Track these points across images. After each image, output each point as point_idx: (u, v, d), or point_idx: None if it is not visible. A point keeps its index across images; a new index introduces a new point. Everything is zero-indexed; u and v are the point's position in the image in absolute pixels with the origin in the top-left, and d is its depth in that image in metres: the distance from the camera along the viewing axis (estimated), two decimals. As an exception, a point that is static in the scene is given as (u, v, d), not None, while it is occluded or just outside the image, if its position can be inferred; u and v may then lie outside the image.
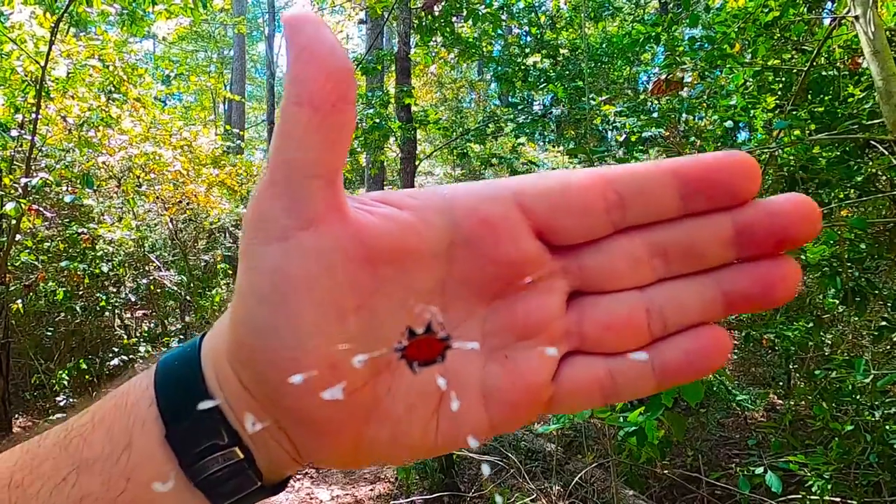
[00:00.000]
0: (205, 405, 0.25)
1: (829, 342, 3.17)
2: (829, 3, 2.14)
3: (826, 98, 1.95)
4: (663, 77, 2.52)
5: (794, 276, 0.24)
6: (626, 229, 0.25)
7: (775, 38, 2.12)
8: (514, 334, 0.25)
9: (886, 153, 1.55)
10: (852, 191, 2.05)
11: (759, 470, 2.36)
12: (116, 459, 0.25)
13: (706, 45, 2.29)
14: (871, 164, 1.88)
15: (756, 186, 0.24)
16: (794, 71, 2.03)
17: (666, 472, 3.61)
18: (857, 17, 1.18)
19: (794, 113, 1.81)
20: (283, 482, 0.27)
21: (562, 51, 6.01)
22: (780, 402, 4.20)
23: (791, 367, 3.54)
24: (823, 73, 1.98)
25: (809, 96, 2.00)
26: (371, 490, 4.24)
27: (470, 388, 0.25)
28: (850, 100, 1.98)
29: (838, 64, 1.99)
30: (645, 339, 0.25)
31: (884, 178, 2.02)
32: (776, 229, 0.24)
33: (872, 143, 1.68)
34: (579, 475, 3.50)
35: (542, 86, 5.94)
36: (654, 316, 0.25)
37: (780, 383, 3.75)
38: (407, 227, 0.24)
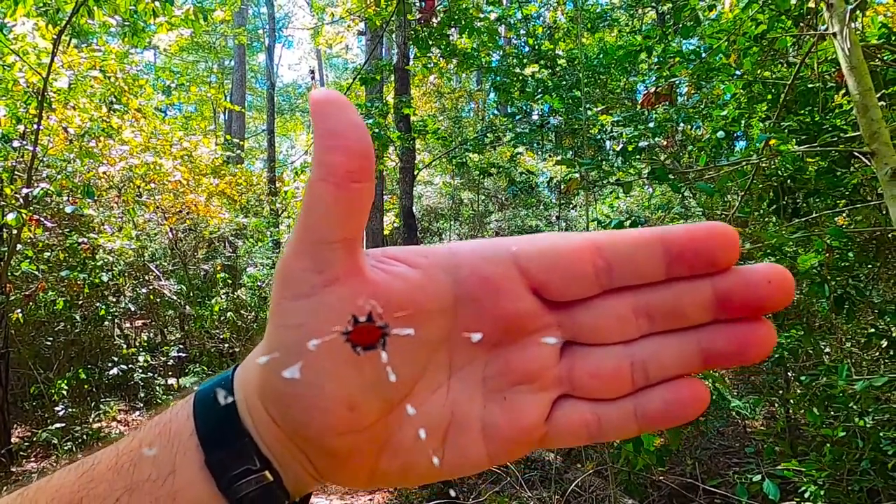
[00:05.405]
0: (226, 400, 0.29)
1: (826, 349, 3.18)
2: (818, 21, 2.17)
3: (813, 110, 1.98)
4: (653, 90, 2.55)
5: (769, 338, 0.27)
6: (616, 289, 0.28)
7: (764, 50, 2.15)
8: (512, 379, 0.29)
9: (869, 163, 1.58)
10: (841, 200, 2.08)
11: (757, 478, 2.37)
12: (163, 482, 0.28)
13: (696, 58, 2.33)
14: (855, 174, 1.91)
15: (735, 256, 0.27)
16: (781, 83, 2.07)
17: (663, 479, 3.61)
18: (834, 34, 1.21)
19: (780, 124, 1.84)
20: (306, 497, 0.31)
21: (559, 61, 6.06)
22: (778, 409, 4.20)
23: (789, 374, 3.55)
24: (809, 85, 2.02)
25: (797, 108, 2.03)
26: (370, 500, 4.24)
27: (471, 425, 0.28)
28: (836, 111, 2.02)
29: (825, 76, 2.03)
30: (628, 389, 0.28)
31: (868, 187, 2.05)
32: (752, 298, 0.26)
33: (856, 153, 1.71)
34: (575, 483, 3.50)
35: (539, 96, 5.99)
36: (637, 368, 0.28)
37: (780, 391, 3.76)
38: (417, 286, 0.28)
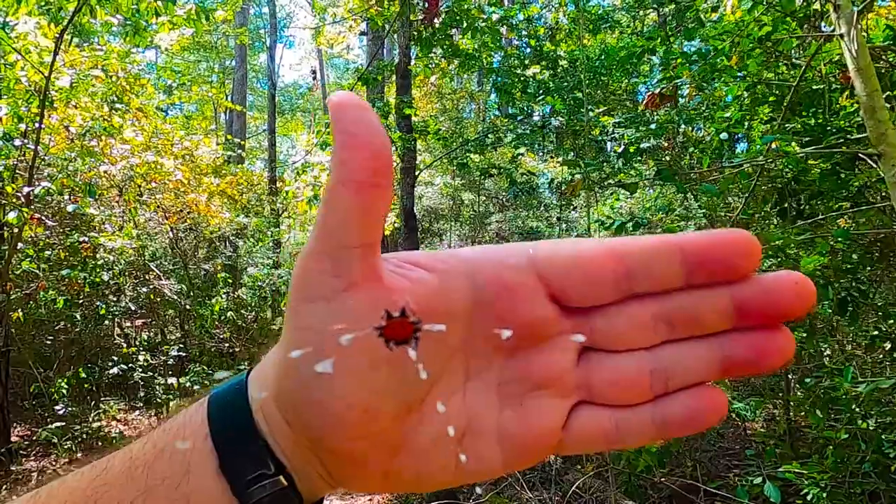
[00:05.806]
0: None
1: (826, 352, 3.18)
2: (823, 22, 2.18)
3: (818, 112, 1.98)
4: (657, 91, 2.55)
5: (788, 346, 0.27)
6: (634, 296, 0.28)
7: (768, 52, 2.15)
8: (529, 385, 0.28)
9: (875, 165, 1.58)
10: (845, 202, 2.08)
11: (758, 480, 2.37)
12: (177, 486, 0.28)
13: (700, 60, 2.33)
14: (860, 176, 1.91)
15: (754, 264, 0.26)
16: (786, 85, 2.07)
17: (663, 481, 3.61)
18: (842, 36, 1.21)
19: (784, 126, 1.84)
20: (318, 502, 0.31)
21: (561, 62, 6.06)
22: (779, 412, 4.20)
23: (790, 377, 3.55)
24: (814, 87, 2.02)
25: (801, 110, 2.03)
26: (370, 500, 4.24)
27: (487, 431, 0.28)
28: (841, 112, 2.02)
29: (830, 78, 2.02)
30: (647, 396, 0.28)
31: (873, 189, 2.05)
32: (770, 306, 0.26)
33: (861, 155, 1.71)
34: (576, 484, 3.50)
35: (540, 97, 5.99)
36: (656, 376, 0.28)
37: (780, 393, 3.76)
38: (435, 291, 0.28)
